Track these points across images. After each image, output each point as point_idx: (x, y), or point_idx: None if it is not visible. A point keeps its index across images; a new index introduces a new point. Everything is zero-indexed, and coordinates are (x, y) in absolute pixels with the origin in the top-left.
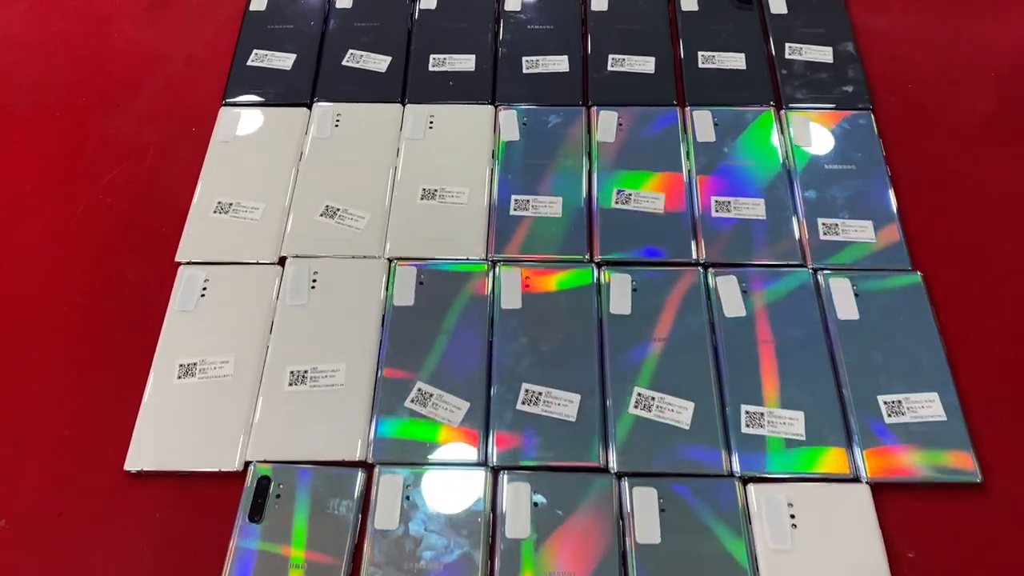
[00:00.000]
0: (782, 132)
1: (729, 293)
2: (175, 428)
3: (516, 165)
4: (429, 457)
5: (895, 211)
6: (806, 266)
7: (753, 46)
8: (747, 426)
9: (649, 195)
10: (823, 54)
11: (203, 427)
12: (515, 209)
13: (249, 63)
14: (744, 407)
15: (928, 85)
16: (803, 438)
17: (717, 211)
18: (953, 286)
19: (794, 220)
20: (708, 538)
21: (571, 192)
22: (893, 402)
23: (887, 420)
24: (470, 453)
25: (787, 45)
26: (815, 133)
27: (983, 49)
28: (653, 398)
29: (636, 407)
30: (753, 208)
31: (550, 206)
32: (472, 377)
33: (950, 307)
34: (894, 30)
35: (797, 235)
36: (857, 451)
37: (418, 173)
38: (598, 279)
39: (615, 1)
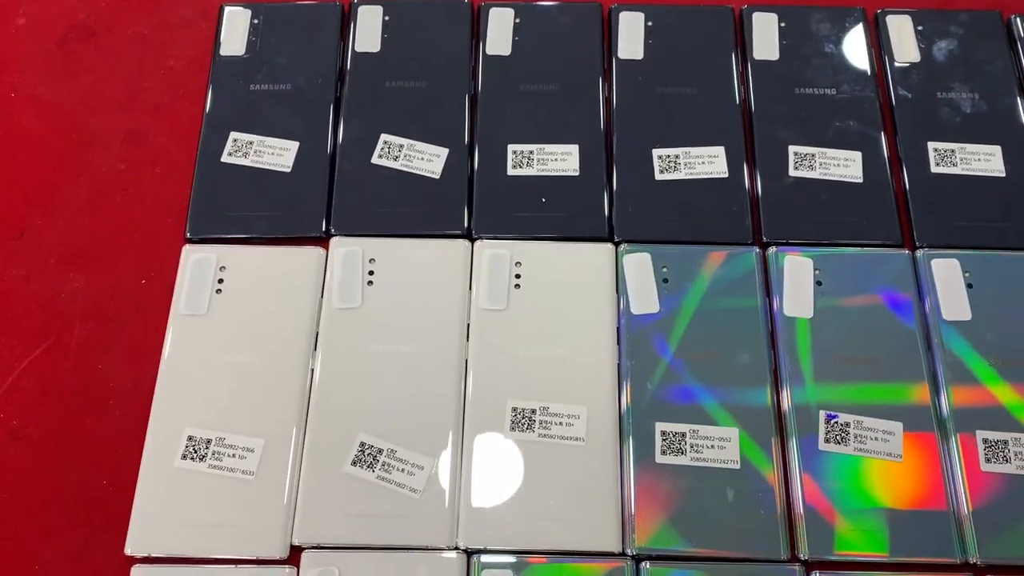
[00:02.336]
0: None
1: None
2: None
3: (654, 359)
4: None
5: None
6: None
7: (1014, 128)
8: None
9: (879, 429)
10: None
11: None
12: (665, 451)
13: (225, 158)
14: None
15: None
16: None
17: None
18: None
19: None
20: None
21: (753, 416)
22: None
23: None
24: None
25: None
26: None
27: None
28: None
29: None
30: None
31: (720, 446)
32: None
33: None
34: None
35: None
36: None
37: (503, 375)
38: None
39: (790, 43)
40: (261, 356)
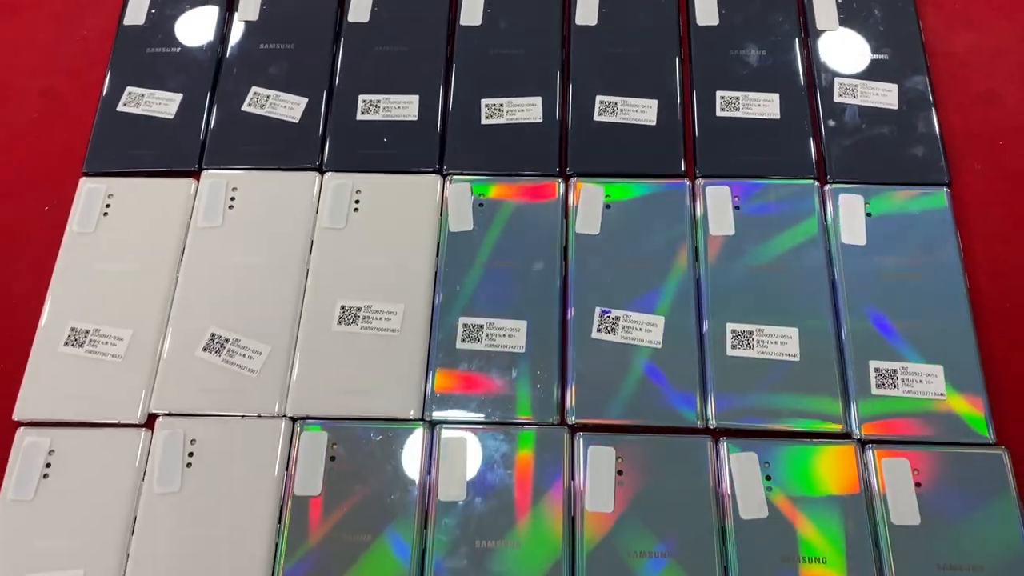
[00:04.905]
0: (825, 219)
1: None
2: None
3: (465, 267)
4: None
5: (976, 354)
6: (850, 436)
7: (792, 80)
8: None
9: (642, 320)
10: (886, 95)
11: None
12: (464, 339)
13: (120, 107)
14: None
15: None
16: None
17: (735, 346)
18: None
19: (835, 363)
20: None
21: (541, 313)
22: None
23: None
24: None
25: (837, 81)
26: (874, 226)
27: None
28: None
29: None
30: (783, 343)
31: (511, 335)
32: None
33: None
34: (985, 51)
35: (840, 388)
36: None
37: (336, 281)
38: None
39: (609, 10)
40: (140, 265)
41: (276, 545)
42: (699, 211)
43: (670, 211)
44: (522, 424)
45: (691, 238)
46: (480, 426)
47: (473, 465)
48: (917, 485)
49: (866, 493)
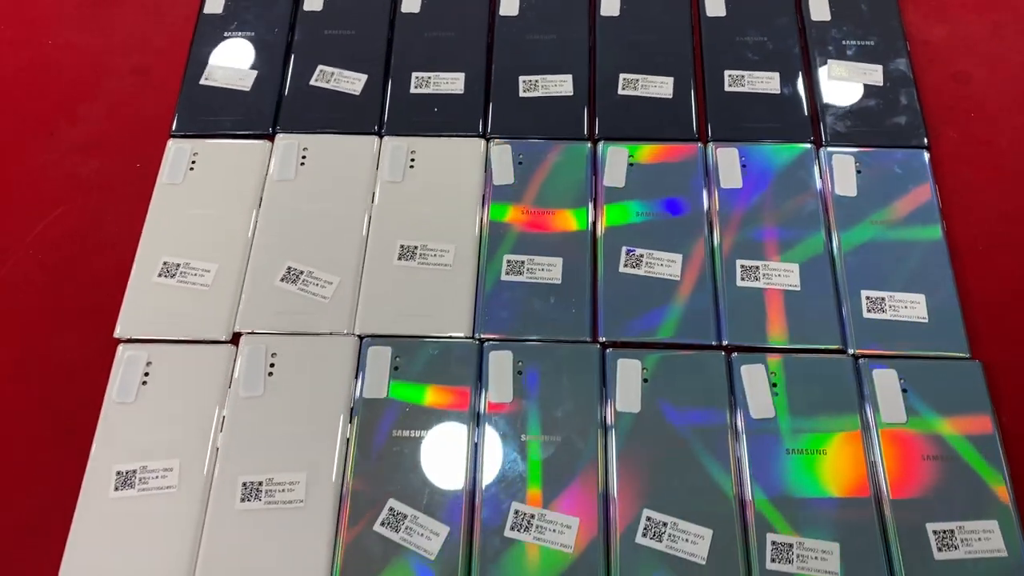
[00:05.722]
0: (821, 177)
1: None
2: (109, 554)
3: (508, 215)
4: None
5: (953, 285)
6: (846, 352)
7: (790, 62)
8: None
9: (663, 257)
10: (873, 75)
11: (144, 558)
12: (508, 273)
13: (203, 81)
14: None
15: (998, 114)
16: None
17: (743, 279)
18: (1015, 375)
19: (832, 292)
20: None
21: (573, 256)
22: None
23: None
24: None
25: (830, 62)
26: (863, 181)
27: None
28: None
29: None
30: (786, 276)
31: (549, 269)
32: None
33: (1013, 401)
34: (956, 40)
35: (836, 312)
36: None
37: (396, 225)
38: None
39: (629, 5)
40: (223, 211)
41: (347, 440)
42: (711, 168)
43: (685, 169)
44: (559, 341)
45: (705, 190)
46: (523, 342)
47: (518, 375)
48: (904, 391)
49: (859, 397)
